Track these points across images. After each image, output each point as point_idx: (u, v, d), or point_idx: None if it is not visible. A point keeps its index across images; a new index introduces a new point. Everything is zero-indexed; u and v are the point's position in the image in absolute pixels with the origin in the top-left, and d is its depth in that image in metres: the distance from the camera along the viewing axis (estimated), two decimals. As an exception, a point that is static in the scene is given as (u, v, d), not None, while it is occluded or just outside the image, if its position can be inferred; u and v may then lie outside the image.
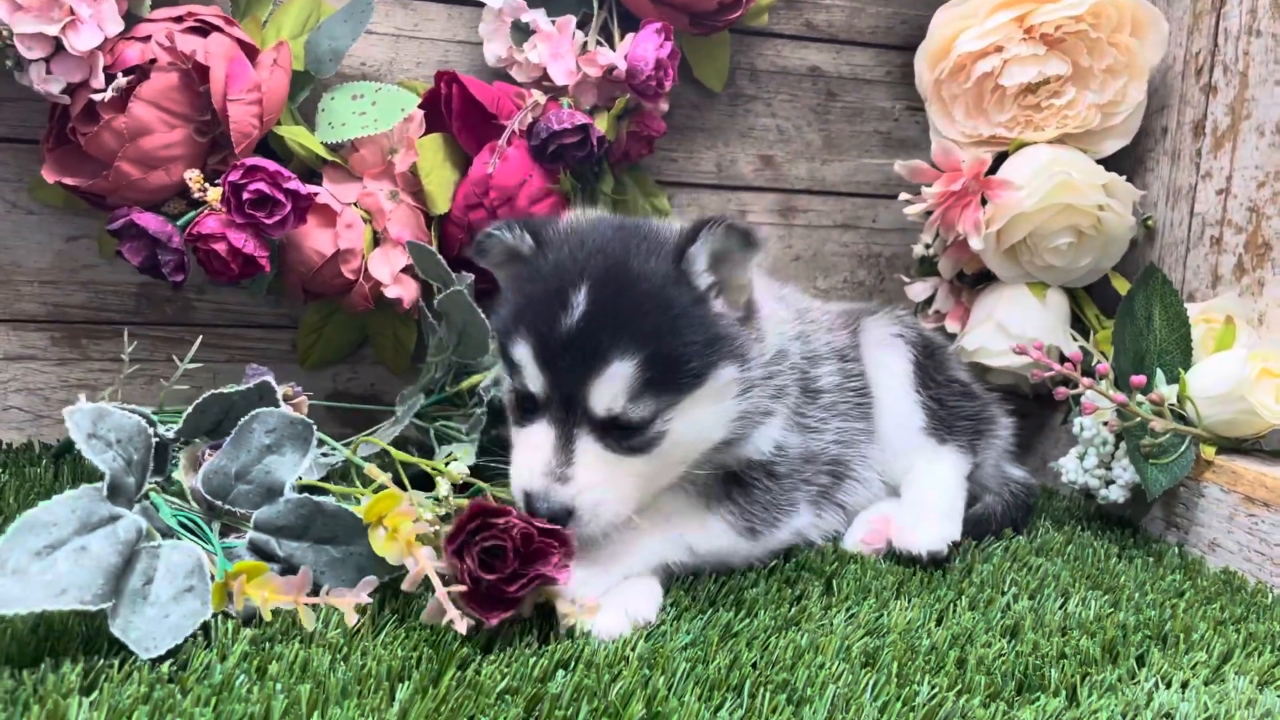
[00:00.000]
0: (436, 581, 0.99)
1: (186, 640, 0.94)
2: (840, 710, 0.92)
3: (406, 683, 0.91)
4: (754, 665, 1.00)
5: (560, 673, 0.96)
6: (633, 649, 1.01)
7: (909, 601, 1.21)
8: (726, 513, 1.23)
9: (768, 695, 0.93)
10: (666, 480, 1.20)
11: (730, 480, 1.24)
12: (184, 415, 1.19)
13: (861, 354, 1.51)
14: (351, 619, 0.99)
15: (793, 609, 1.16)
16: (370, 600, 1.02)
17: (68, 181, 1.45)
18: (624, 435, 1.11)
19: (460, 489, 1.22)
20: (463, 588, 1.00)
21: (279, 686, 0.87)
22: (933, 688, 0.98)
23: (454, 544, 1.02)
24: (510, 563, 1.00)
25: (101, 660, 0.90)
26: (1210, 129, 1.70)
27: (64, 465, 1.50)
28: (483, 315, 1.39)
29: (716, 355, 1.13)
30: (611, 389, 1.08)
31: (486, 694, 0.90)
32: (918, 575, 1.30)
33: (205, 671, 0.91)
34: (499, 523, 1.01)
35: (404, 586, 1.01)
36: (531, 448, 1.12)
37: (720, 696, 0.93)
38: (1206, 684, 1.03)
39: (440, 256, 1.44)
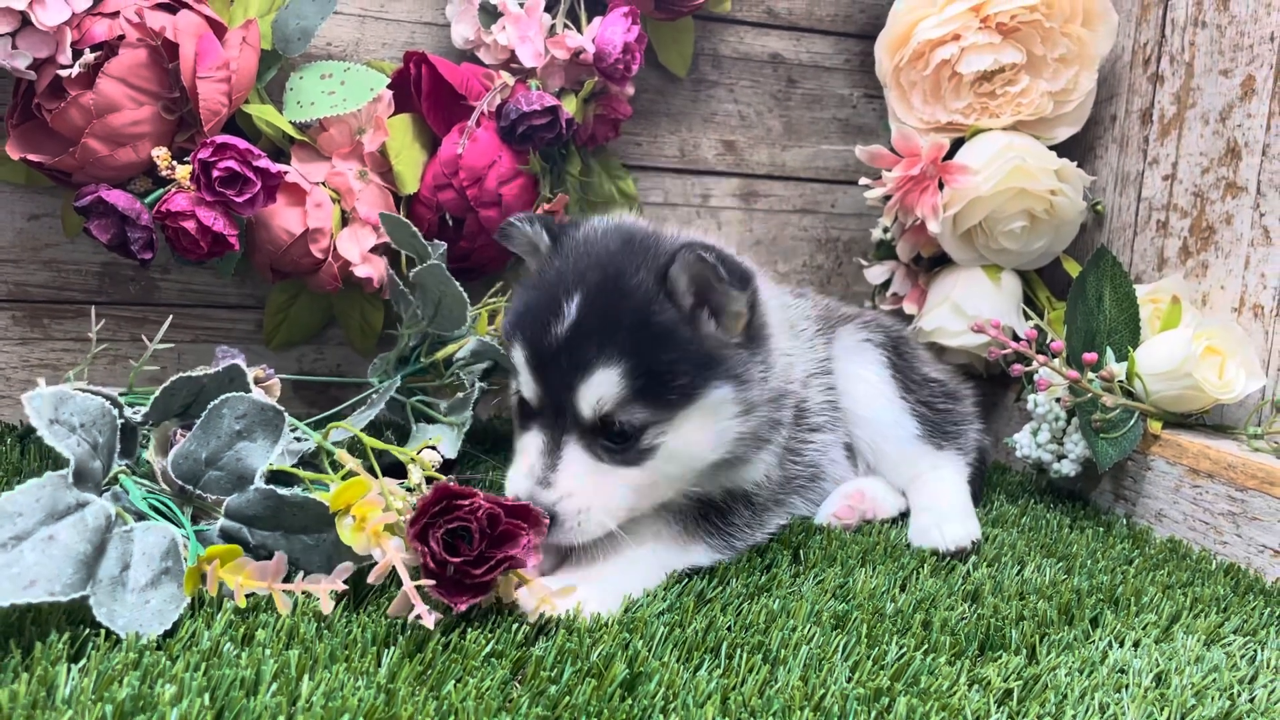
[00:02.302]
0: (404, 573, 0.96)
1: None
2: (814, 669, 0.96)
3: (392, 648, 0.93)
4: (729, 629, 1.04)
5: (541, 638, 0.98)
6: (611, 615, 1.04)
7: (873, 570, 1.25)
8: (706, 535, 1.24)
9: (744, 656, 0.97)
10: (661, 496, 1.21)
11: (708, 505, 1.26)
12: (152, 398, 1.16)
13: (834, 366, 1.51)
14: (327, 606, 0.97)
15: (763, 577, 1.20)
16: (345, 587, 1.00)
17: (32, 158, 1.43)
18: (615, 446, 1.13)
19: (444, 470, 1.21)
20: (430, 582, 0.96)
21: (267, 652, 0.89)
22: (900, 648, 1.02)
23: (417, 527, 0.98)
24: (477, 545, 0.98)
25: (87, 629, 0.91)
26: (1157, 117, 1.76)
27: (30, 444, 1.48)
28: (459, 287, 1.40)
29: (708, 374, 1.14)
30: (597, 394, 1.11)
31: (472, 657, 0.92)
32: (880, 545, 1.34)
33: (192, 639, 0.92)
34: (464, 504, 0.99)
35: (370, 579, 0.97)
36: (523, 453, 1.15)
37: (699, 657, 0.97)
38: (1157, 642, 1.09)
39: (415, 229, 1.45)
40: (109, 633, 0.91)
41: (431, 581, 0.96)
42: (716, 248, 1.14)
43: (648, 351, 1.11)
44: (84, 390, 1.05)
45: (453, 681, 0.88)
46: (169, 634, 0.93)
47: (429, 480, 1.12)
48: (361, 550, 1.00)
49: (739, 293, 1.14)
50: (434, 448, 1.27)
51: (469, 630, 0.97)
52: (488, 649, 0.94)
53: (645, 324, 1.12)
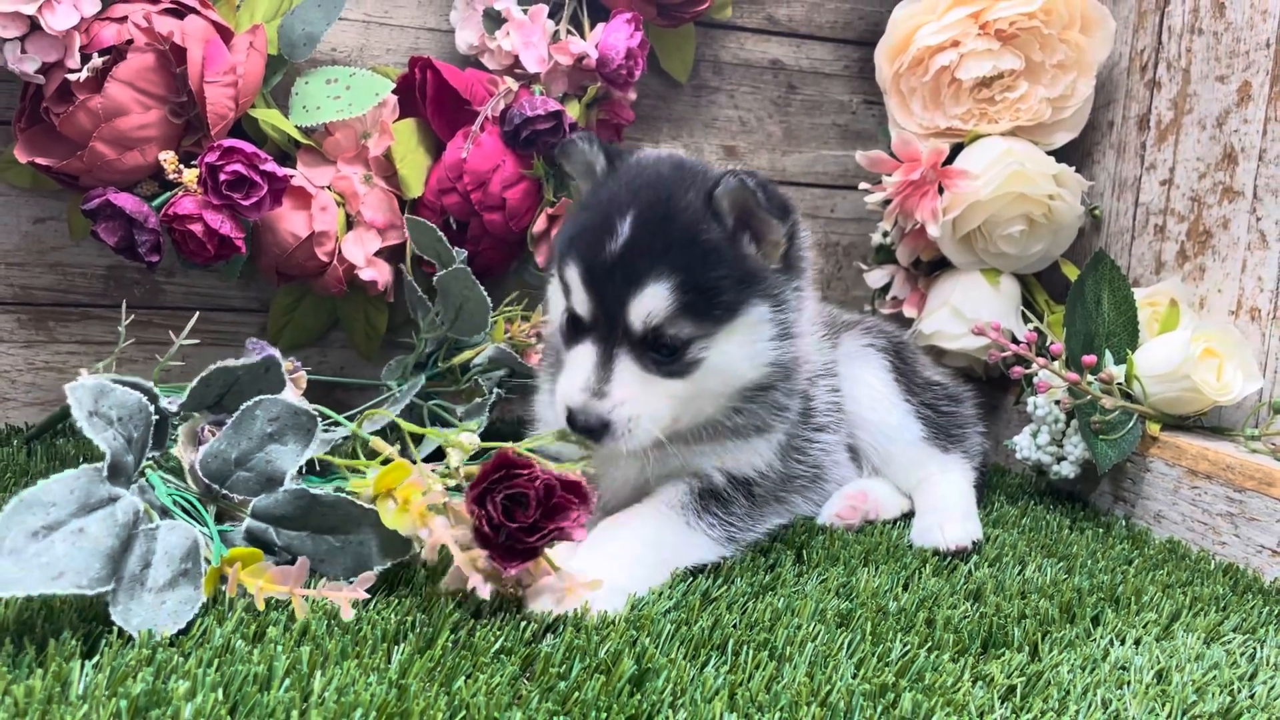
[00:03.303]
0: (455, 549, 1.00)
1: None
2: (820, 666, 0.97)
3: (403, 644, 0.93)
4: (735, 626, 1.05)
5: (549, 635, 0.99)
6: (618, 614, 1.05)
7: (876, 569, 1.26)
8: (707, 526, 1.27)
9: (750, 653, 0.98)
10: (703, 411, 1.25)
11: (709, 495, 1.28)
12: (188, 389, 1.16)
13: (839, 369, 1.54)
14: (348, 613, 0.97)
15: (767, 576, 1.21)
16: (367, 595, 1.00)
17: (40, 161, 1.44)
18: (663, 358, 1.18)
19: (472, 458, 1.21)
20: (482, 553, 1.01)
21: (279, 649, 0.89)
22: (905, 645, 1.03)
23: (476, 491, 1.01)
24: (533, 512, 1.00)
25: (100, 626, 0.92)
26: (1154, 123, 1.78)
27: (37, 447, 1.49)
28: (483, 292, 1.42)
29: (748, 292, 1.20)
30: (648, 307, 1.15)
31: (482, 654, 0.93)
32: (883, 545, 1.35)
33: (204, 636, 0.92)
34: (524, 473, 1.02)
35: (424, 555, 1.01)
36: (576, 366, 1.19)
37: (706, 654, 0.98)
38: (1158, 640, 1.10)
39: (440, 233, 1.47)
40: (121, 629, 0.92)
41: (483, 551, 1.00)
42: (761, 177, 1.18)
43: (697, 268, 1.16)
44: (122, 382, 1.04)
45: (463, 677, 0.89)
46: (182, 631, 0.93)
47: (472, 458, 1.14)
48: (407, 532, 1.03)
49: (779, 221, 1.19)
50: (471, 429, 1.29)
51: (478, 628, 0.98)
52: (497, 646, 0.95)
53: (694, 241, 1.17)
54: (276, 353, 1.21)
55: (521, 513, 1.00)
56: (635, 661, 0.93)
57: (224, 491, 1.11)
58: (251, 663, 0.86)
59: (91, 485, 0.93)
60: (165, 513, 1.07)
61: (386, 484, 1.04)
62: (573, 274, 1.20)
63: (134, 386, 1.05)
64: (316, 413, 1.14)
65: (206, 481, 1.11)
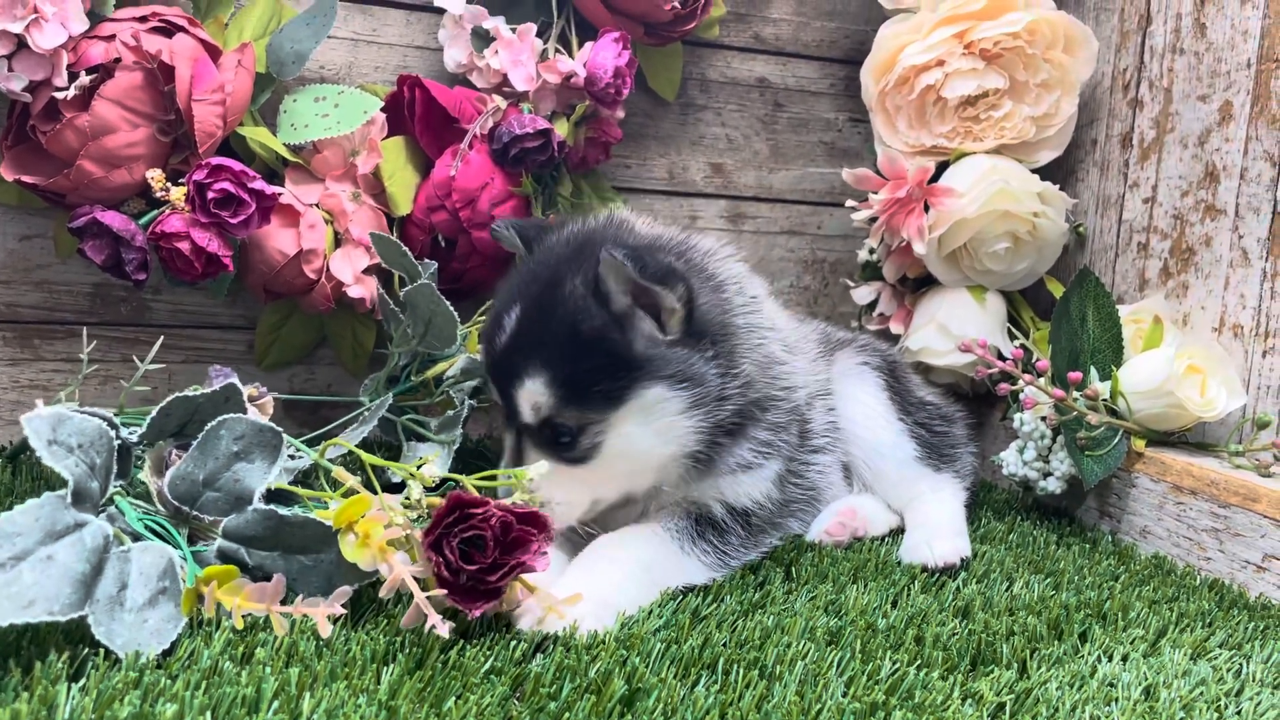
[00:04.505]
0: (414, 586, 0.98)
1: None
2: (810, 684, 0.97)
3: (392, 665, 0.93)
4: (725, 645, 1.05)
5: (540, 655, 0.99)
6: (608, 632, 1.05)
7: (865, 586, 1.26)
8: (701, 554, 1.26)
9: (741, 671, 0.98)
10: (626, 487, 1.26)
11: (706, 523, 1.27)
12: (147, 419, 1.15)
13: (834, 387, 1.54)
14: (325, 629, 0.97)
15: (757, 594, 1.21)
16: (344, 611, 1.00)
17: (27, 179, 1.44)
18: (562, 446, 1.20)
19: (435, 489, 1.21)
20: (441, 592, 0.99)
21: (267, 670, 0.89)
22: (894, 663, 1.03)
23: (432, 537, 1.00)
24: (491, 552, 1.00)
25: (86, 649, 0.91)
26: (1137, 141, 1.80)
27: (21, 465, 1.48)
28: (449, 306, 1.42)
29: (636, 375, 1.17)
30: (531, 400, 1.18)
31: (472, 674, 0.93)
32: (871, 561, 1.36)
33: (191, 658, 0.92)
34: (478, 513, 1.01)
35: (381, 594, 0.99)
36: (505, 452, 1.25)
37: (696, 673, 0.98)
38: (1145, 656, 1.11)
39: (405, 248, 1.47)
40: (108, 652, 0.91)
41: (444, 591, 0.99)
42: (637, 247, 1.17)
43: (570, 360, 1.17)
44: (80, 411, 1.05)
45: (453, 698, 0.88)
46: (168, 653, 0.93)
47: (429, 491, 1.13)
48: (367, 566, 1.01)
49: (663, 289, 1.16)
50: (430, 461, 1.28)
51: (468, 647, 0.98)
52: (487, 666, 0.94)
53: (572, 333, 1.17)
54: (236, 379, 1.20)
55: (479, 554, 1.00)
56: (626, 681, 0.93)
57: (194, 513, 1.11)
58: (240, 684, 0.86)
59: (56, 512, 0.93)
60: (137, 537, 1.06)
61: (347, 517, 1.03)
62: (484, 365, 1.26)
63: (93, 414, 1.05)
64: (282, 431, 1.13)
65: (176, 504, 1.10)
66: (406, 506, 1.11)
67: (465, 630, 1.03)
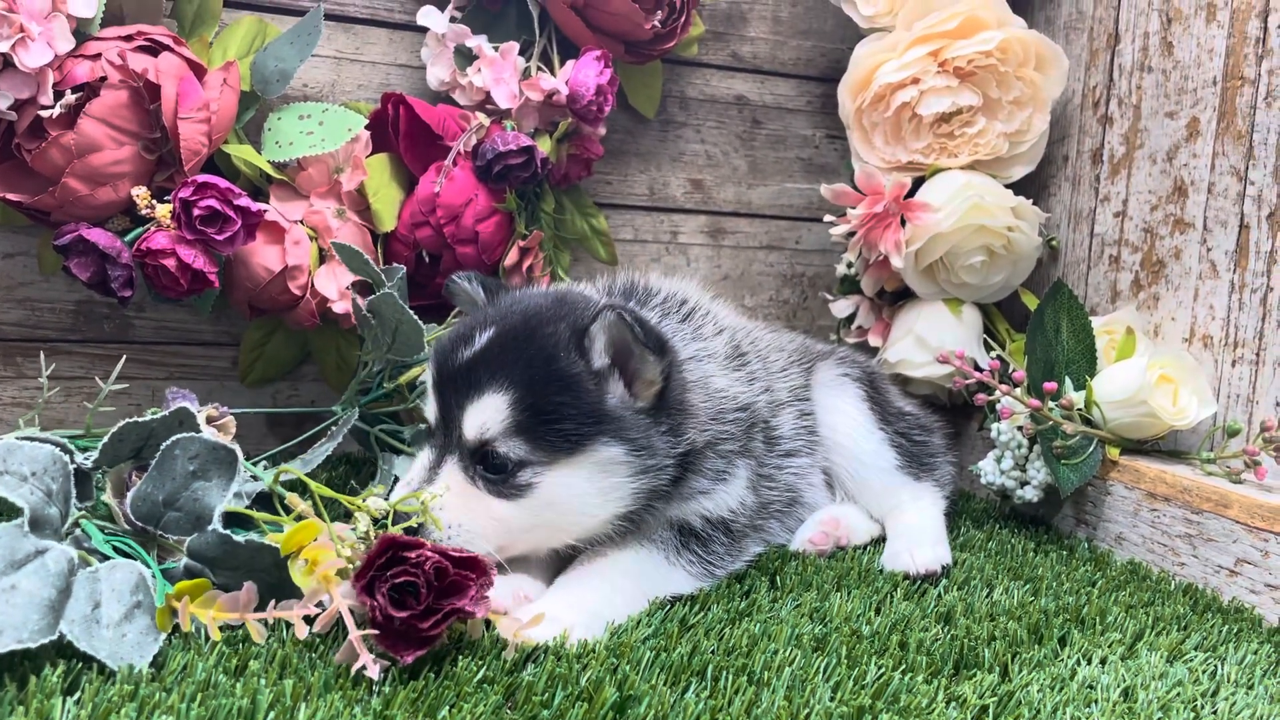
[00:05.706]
0: (349, 622, 0.95)
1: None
2: (797, 690, 0.99)
3: (386, 676, 0.94)
4: (713, 652, 1.06)
5: (531, 665, 1.00)
6: (598, 641, 1.06)
7: (848, 594, 1.28)
8: (687, 564, 1.27)
9: (729, 678, 1.00)
10: (545, 541, 1.21)
11: (687, 533, 1.28)
12: (100, 444, 1.15)
13: (812, 395, 1.56)
14: (301, 631, 0.97)
15: (743, 602, 1.23)
16: (319, 611, 0.99)
17: (11, 197, 1.44)
18: (491, 475, 1.15)
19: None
20: (375, 632, 0.95)
21: (262, 682, 0.90)
22: (879, 668, 1.05)
23: (363, 580, 0.95)
24: (424, 599, 0.95)
25: (79, 664, 0.92)
26: (1107, 157, 1.84)
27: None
28: (414, 314, 1.43)
29: (599, 429, 1.15)
30: (483, 417, 1.14)
31: (465, 684, 0.94)
32: (854, 569, 1.38)
33: (184, 671, 0.93)
34: (410, 556, 0.96)
35: (315, 628, 0.97)
36: (411, 469, 1.21)
37: (685, 680, 0.99)
38: (1123, 659, 1.13)
39: (366, 256, 1.48)
40: (102, 667, 0.92)
41: (376, 632, 0.95)
42: (639, 313, 1.17)
43: (540, 388, 1.14)
44: (33, 439, 1.05)
45: (447, 708, 0.90)
46: (161, 666, 0.93)
47: (375, 522, 1.09)
48: (311, 594, 1.00)
49: (655, 359, 1.17)
50: (377, 494, 1.27)
51: (460, 658, 0.99)
52: (480, 675, 0.96)
53: (547, 364, 1.15)
54: (193, 402, 1.21)
55: (413, 599, 0.95)
56: (617, 689, 0.94)
57: (159, 532, 1.11)
58: (235, 696, 0.87)
59: (14, 542, 0.94)
60: (105, 559, 1.06)
61: (296, 542, 1.02)
62: (428, 378, 1.23)
63: (47, 440, 1.05)
64: (236, 449, 1.14)
65: (139, 524, 1.11)
66: (361, 538, 1.08)
67: (458, 641, 1.04)
